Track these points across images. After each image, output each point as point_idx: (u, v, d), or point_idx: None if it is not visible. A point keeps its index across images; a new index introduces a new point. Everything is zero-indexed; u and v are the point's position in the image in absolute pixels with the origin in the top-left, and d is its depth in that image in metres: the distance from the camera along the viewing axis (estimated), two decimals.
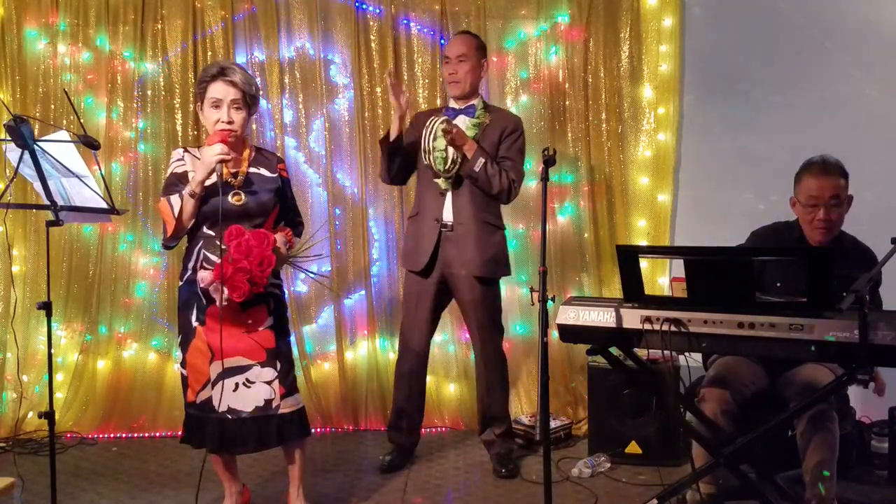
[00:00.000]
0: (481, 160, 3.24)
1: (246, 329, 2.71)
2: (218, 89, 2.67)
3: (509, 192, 3.34)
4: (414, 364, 3.49)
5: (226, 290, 2.55)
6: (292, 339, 3.11)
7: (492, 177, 3.26)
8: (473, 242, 3.33)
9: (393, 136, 3.29)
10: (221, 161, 2.58)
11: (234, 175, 2.72)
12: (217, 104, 2.68)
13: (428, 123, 3.25)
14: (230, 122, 2.68)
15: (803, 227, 2.89)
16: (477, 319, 3.40)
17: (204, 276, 2.63)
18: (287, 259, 2.78)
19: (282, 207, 2.85)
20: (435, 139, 3.24)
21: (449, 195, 3.34)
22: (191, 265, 2.73)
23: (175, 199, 2.64)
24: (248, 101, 2.72)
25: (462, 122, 3.34)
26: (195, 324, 2.72)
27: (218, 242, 2.62)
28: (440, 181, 3.34)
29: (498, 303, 3.48)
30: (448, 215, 3.34)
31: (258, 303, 2.72)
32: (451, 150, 3.23)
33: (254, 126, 2.82)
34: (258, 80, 3.83)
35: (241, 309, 2.69)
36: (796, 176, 2.90)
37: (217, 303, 2.62)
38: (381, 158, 3.42)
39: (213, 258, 2.65)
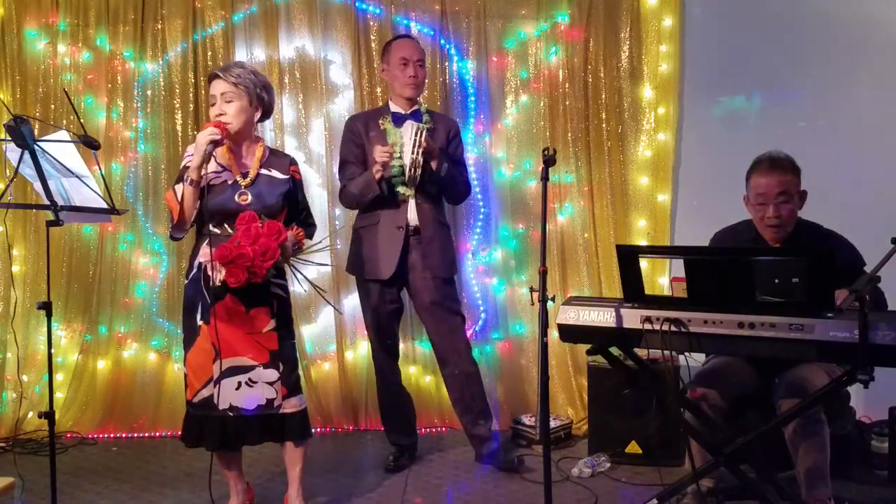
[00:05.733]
0: (445, 164, 3.32)
1: (249, 330, 2.72)
2: (212, 87, 2.75)
3: (467, 192, 3.54)
4: (395, 369, 3.55)
5: (223, 272, 2.56)
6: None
7: (454, 179, 3.39)
8: (438, 245, 3.40)
9: (379, 177, 3.24)
10: (213, 142, 2.60)
11: (245, 175, 2.74)
12: (213, 101, 2.75)
13: (410, 135, 3.18)
14: (220, 115, 2.71)
15: (756, 225, 2.86)
16: (443, 316, 3.42)
17: (206, 252, 2.64)
18: (289, 258, 2.76)
19: (291, 210, 2.85)
20: (413, 148, 3.20)
21: (412, 202, 3.35)
22: (196, 263, 2.75)
23: (179, 187, 2.69)
24: (245, 93, 2.72)
25: (411, 126, 3.26)
26: (200, 322, 2.73)
27: (223, 241, 2.64)
28: (404, 189, 3.33)
29: (457, 296, 3.58)
30: (413, 219, 3.35)
31: (261, 304, 2.72)
32: (419, 157, 3.22)
33: (255, 119, 2.85)
34: None
35: (245, 310, 2.70)
36: (746, 175, 2.87)
37: (211, 281, 2.65)
38: (360, 197, 3.31)
39: None
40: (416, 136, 3.17)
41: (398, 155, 3.25)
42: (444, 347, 3.46)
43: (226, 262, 2.53)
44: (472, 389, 3.46)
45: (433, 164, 3.29)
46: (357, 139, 3.39)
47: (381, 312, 3.42)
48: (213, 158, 2.75)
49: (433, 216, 3.40)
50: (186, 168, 2.72)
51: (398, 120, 3.36)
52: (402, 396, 3.60)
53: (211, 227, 2.73)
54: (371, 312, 3.43)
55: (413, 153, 3.20)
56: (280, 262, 2.65)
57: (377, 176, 3.23)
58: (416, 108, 3.43)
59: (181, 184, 2.68)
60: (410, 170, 3.24)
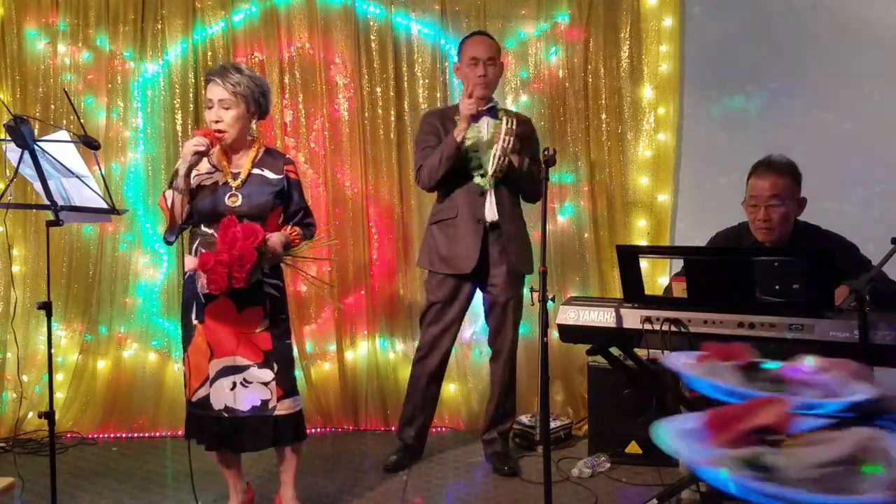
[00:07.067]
0: (526, 160, 3.27)
1: (242, 330, 2.71)
2: (209, 91, 2.74)
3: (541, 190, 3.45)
4: (440, 366, 3.49)
5: (205, 280, 2.55)
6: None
7: (532, 176, 3.28)
8: (517, 239, 3.38)
9: (461, 138, 3.22)
10: (198, 153, 2.60)
11: (235, 176, 2.74)
12: (210, 105, 2.73)
13: (502, 126, 3.13)
14: (217, 121, 2.71)
15: (750, 227, 2.84)
16: (514, 316, 3.43)
17: (188, 262, 2.64)
18: (281, 257, 2.74)
19: (286, 209, 2.84)
20: (503, 136, 3.16)
21: (491, 196, 3.33)
22: None
23: (169, 193, 2.69)
24: (243, 101, 2.71)
25: (486, 122, 3.32)
26: (195, 322, 2.74)
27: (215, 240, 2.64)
28: (483, 181, 3.31)
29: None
30: (492, 215, 3.32)
31: (254, 304, 2.72)
32: (509, 144, 3.17)
33: (253, 125, 2.84)
34: None
35: (237, 310, 2.70)
36: (746, 177, 2.87)
37: (198, 288, 2.66)
38: (439, 164, 3.24)
39: None
40: (507, 125, 3.12)
41: (506, 151, 3.17)
42: (502, 348, 3.46)
43: (205, 269, 2.52)
44: (509, 385, 3.49)
45: (515, 160, 3.22)
46: (435, 131, 3.34)
47: (458, 309, 3.40)
48: (206, 159, 2.75)
49: (512, 211, 3.37)
50: (177, 171, 2.72)
51: (473, 117, 3.31)
52: (435, 397, 3.55)
53: (203, 227, 2.74)
54: (445, 309, 3.39)
55: (504, 141, 3.12)
56: (263, 263, 2.61)
57: (459, 138, 3.18)
58: (490, 105, 3.38)
59: (171, 190, 2.68)
60: (501, 158, 3.16)
